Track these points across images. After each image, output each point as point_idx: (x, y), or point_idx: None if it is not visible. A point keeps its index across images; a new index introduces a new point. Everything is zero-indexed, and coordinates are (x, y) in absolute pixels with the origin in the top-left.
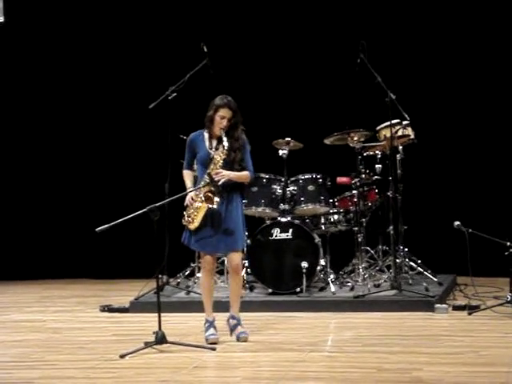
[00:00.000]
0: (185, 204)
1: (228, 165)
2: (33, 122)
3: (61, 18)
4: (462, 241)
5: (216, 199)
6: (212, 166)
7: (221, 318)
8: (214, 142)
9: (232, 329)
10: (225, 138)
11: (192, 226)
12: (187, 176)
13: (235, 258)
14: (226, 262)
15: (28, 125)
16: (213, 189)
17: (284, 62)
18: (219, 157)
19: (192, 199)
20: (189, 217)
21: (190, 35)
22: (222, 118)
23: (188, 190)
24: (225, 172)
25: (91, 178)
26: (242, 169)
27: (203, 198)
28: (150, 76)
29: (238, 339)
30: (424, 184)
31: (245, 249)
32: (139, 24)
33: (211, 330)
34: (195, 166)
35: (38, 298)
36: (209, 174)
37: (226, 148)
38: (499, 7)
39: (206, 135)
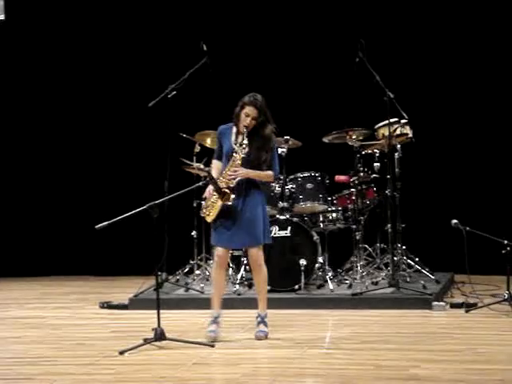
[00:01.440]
0: (203, 196)
1: (249, 163)
2: (33, 119)
3: (61, 16)
4: (459, 239)
5: (232, 196)
6: (231, 163)
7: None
8: (240, 138)
9: (256, 326)
10: (246, 137)
11: (208, 219)
12: (214, 166)
13: (253, 254)
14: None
15: (28, 122)
16: (224, 185)
17: (283, 60)
18: (238, 155)
19: (209, 193)
20: (205, 208)
21: (189, 34)
22: (246, 115)
23: (195, 185)
24: (243, 170)
25: (91, 176)
26: (267, 168)
27: (224, 192)
28: (149, 74)
29: (256, 337)
30: (422, 182)
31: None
32: (139, 22)
33: (212, 326)
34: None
35: (38, 295)
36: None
37: (244, 146)
38: (497, 5)
39: (235, 129)
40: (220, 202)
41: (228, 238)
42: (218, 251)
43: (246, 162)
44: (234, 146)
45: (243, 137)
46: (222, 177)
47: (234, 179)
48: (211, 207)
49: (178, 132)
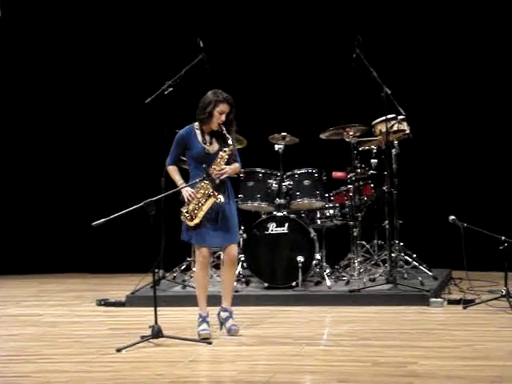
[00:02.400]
0: (185, 200)
1: (229, 160)
2: (30, 116)
3: (58, 12)
4: (457, 235)
5: (219, 195)
6: (218, 161)
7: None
8: (208, 137)
9: (223, 322)
10: (228, 135)
11: (193, 223)
12: (174, 171)
13: (233, 250)
14: (221, 256)
15: (25, 119)
16: (209, 185)
17: (280, 56)
18: (225, 153)
19: (191, 195)
20: (188, 213)
21: (186, 30)
22: (221, 113)
23: (184, 185)
24: (227, 168)
25: (88, 173)
26: (233, 161)
27: (209, 194)
28: (146, 71)
29: (229, 331)
30: (419, 179)
31: (240, 243)
32: (136, 19)
33: (204, 325)
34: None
35: (35, 292)
36: (205, 170)
37: (231, 144)
38: (495, 2)
39: (198, 131)
40: (210, 203)
41: (212, 237)
42: (203, 252)
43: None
44: (204, 145)
45: (222, 134)
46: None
47: (220, 178)
48: (198, 209)
49: (174, 128)
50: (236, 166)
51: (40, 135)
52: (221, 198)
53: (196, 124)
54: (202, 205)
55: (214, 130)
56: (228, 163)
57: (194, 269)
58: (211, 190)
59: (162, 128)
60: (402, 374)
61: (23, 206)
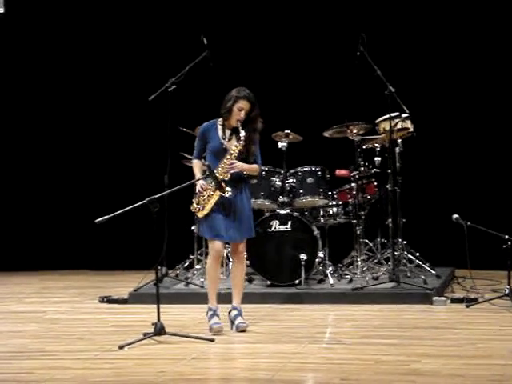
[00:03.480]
0: (196, 191)
1: (239, 156)
2: (32, 113)
3: (61, 9)
4: (460, 234)
5: (228, 188)
6: (228, 156)
7: (222, 310)
8: (228, 133)
9: (232, 320)
10: (242, 130)
11: (201, 214)
12: (197, 166)
13: (242, 246)
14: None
15: (27, 116)
16: (212, 180)
17: (284, 54)
18: (235, 147)
19: (202, 187)
20: (198, 204)
21: (189, 27)
22: (240, 109)
23: (196, 179)
24: (239, 163)
25: (91, 170)
26: (254, 161)
27: (217, 187)
28: (149, 68)
29: (238, 328)
30: (423, 177)
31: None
32: (139, 16)
33: (215, 319)
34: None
35: (38, 289)
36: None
37: (242, 139)
38: (499, 2)
39: (220, 125)
40: (216, 196)
41: (226, 232)
42: (216, 245)
43: (240, 155)
44: (222, 141)
45: (239, 130)
46: (217, 170)
47: (229, 172)
48: (206, 201)
49: (178, 126)
50: (254, 166)
51: (43, 132)
52: (229, 192)
53: (220, 119)
54: (210, 197)
55: (234, 126)
56: (247, 161)
57: (196, 266)
58: (219, 183)
59: (166, 125)
60: (404, 373)
61: (26, 202)
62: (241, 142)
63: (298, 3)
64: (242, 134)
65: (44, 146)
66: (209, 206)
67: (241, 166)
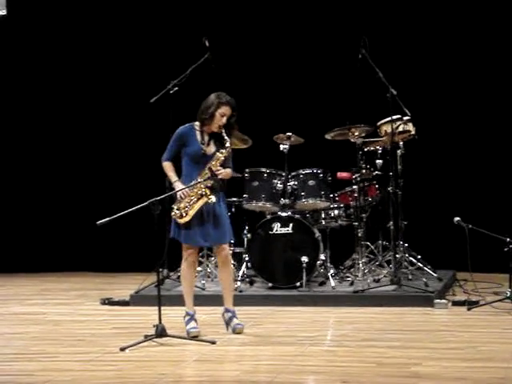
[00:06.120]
0: (178, 197)
1: (224, 163)
2: (33, 114)
3: (62, 11)
4: (461, 236)
5: (211, 195)
6: (214, 163)
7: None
8: (206, 138)
9: (227, 322)
10: (226, 137)
11: (183, 220)
12: (170, 167)
13: (225, 250)
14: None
15: (28, 117)
16: (210, 184)
17: (285, 57)
18: (221, 154)
19: (184, 193)
20: (178, 210)
21: (191, 29)
22: (222, 115)
23: (197, 181)
24: (225, 170)
25: (92, 171)
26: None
27: (201, 193)
28: (151, 70)
29: (234, 331)
30: (424, 180)
31: (245, 242)
32: (141, 18)
33: (192, 323)
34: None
35: (39, 291)
36: (210, 169)
37: (227, 146)
38: (500, 4)
39: (197, 131)
40: (202, 202)
41: (202, 237)
42: (190, 250)
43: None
44: (201, 146)
45: (222, 136)
46: (201, 176)
47: (215, 179)
48: (189, 207)
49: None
50: (228, 170)
51: (45, 134)
52: (212, 199)
53: (196, 124)
54: (194, 203)
55: (214, 131)
56: (222, 166)
57: (198, 268)
58: (204, 190)
59: (168, 127)
60: (405, 375)
61: (27, 204)
62: (227, 149)
63: (300, 6)
64: (228, 141)
65: (45, 148)
66: (191, 213)
67: (227, 173)
